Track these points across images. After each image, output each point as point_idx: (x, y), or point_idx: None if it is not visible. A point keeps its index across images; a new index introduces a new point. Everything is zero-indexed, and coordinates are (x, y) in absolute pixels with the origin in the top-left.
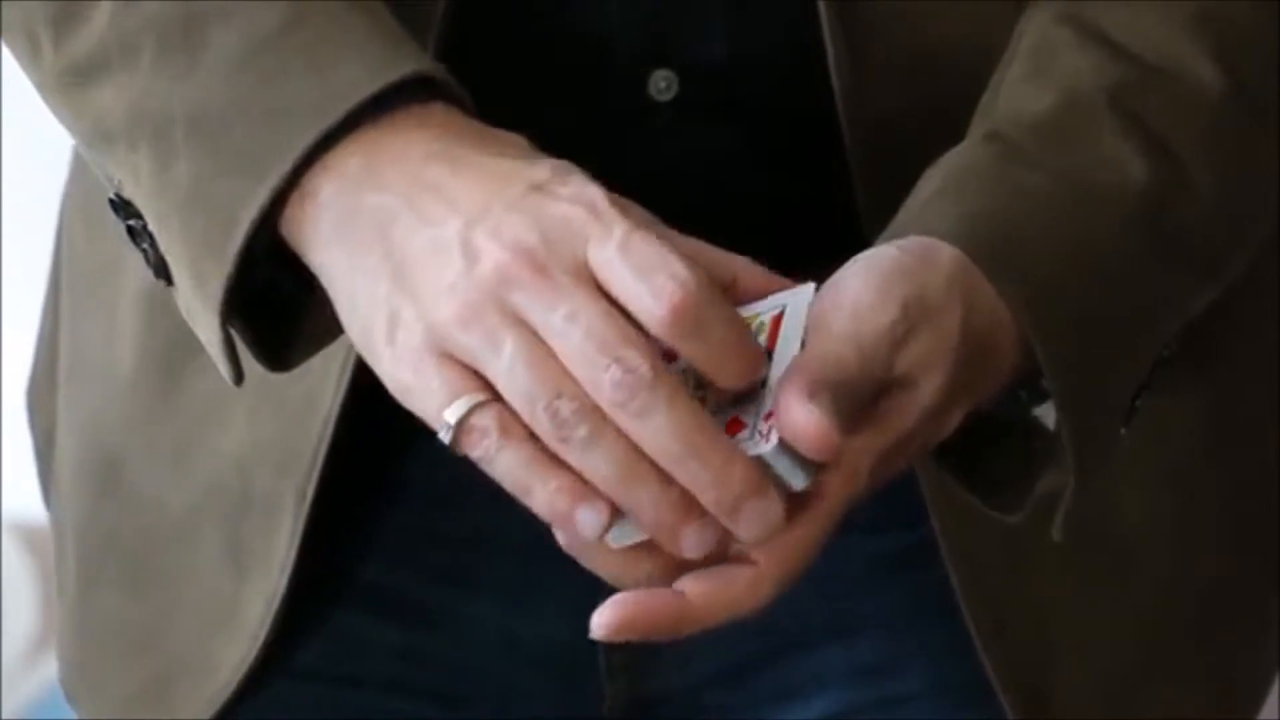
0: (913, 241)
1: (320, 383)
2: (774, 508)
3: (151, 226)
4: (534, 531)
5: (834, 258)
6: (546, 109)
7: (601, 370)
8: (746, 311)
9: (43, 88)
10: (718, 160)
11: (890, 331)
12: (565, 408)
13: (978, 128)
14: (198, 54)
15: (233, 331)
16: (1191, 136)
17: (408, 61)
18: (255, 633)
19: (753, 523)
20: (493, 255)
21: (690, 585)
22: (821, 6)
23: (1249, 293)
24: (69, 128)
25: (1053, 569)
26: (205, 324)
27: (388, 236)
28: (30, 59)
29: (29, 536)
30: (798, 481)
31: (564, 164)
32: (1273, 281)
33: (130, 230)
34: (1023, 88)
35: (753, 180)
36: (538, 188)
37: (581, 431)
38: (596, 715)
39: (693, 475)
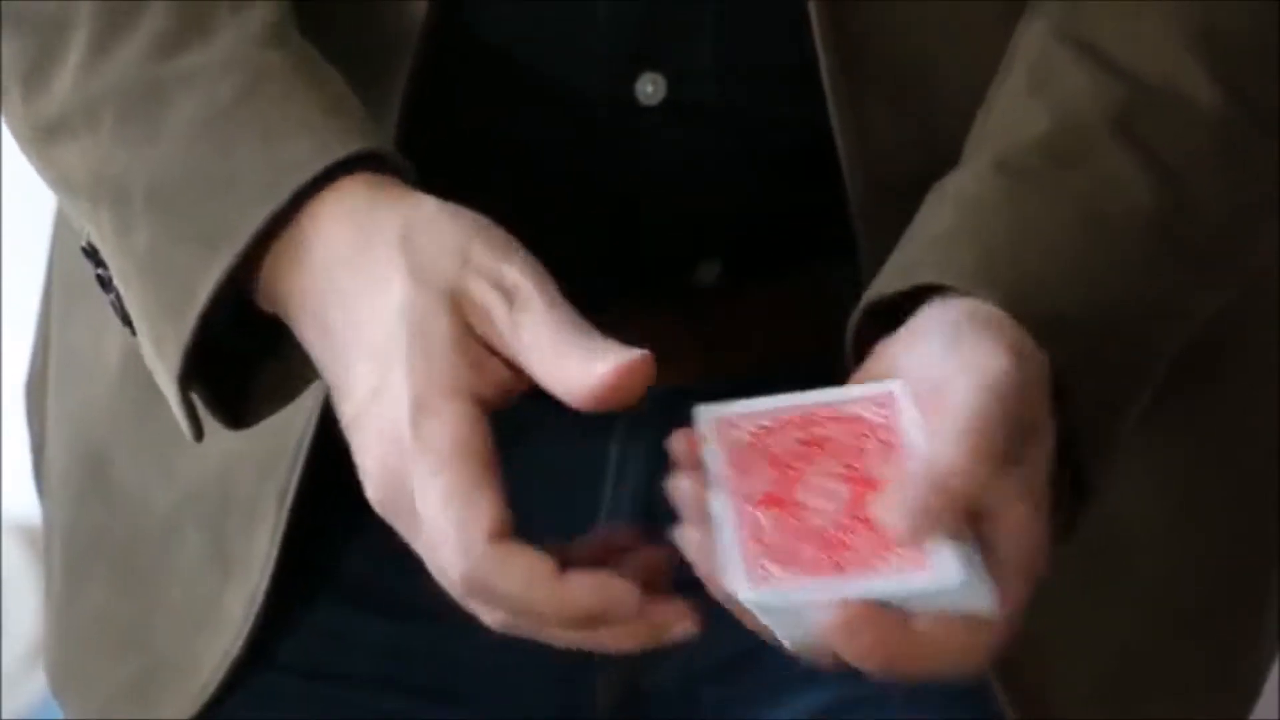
0: (985, 321)
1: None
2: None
3: (116, 282)
4: None
5: (823, 257)
6: (533, 110)
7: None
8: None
9: (17, 137)
10: (707, 163)
11: (1005, 455)
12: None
13: (978, 150)
14: (156, 123)
15: (192, 393)
16: (1194, 156)
17: (354, 138)
18: (238, 630)
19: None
20: (367, 470)
21: (923, 619)
22: (813, 10)
23: (1250, 291)
24: (40, 175)
25: (1050, 566)
26: (165, 384)
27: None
28: (3, 107)
29: (30, 536)
30: (985, 603)
31: (400, 323)
32: (1274, 279)
33: (100, 279)
34: (1020, 106)
35: (742, 183)
36: (375, 393)
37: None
38: (589, 710)
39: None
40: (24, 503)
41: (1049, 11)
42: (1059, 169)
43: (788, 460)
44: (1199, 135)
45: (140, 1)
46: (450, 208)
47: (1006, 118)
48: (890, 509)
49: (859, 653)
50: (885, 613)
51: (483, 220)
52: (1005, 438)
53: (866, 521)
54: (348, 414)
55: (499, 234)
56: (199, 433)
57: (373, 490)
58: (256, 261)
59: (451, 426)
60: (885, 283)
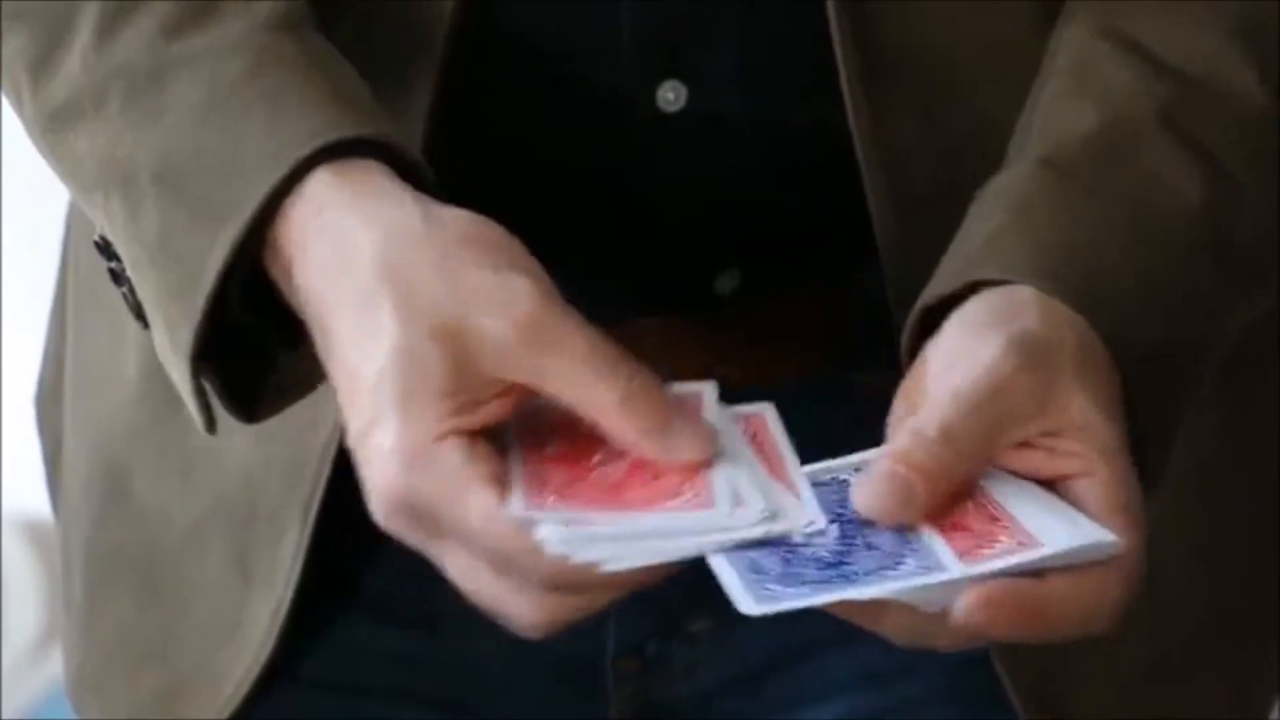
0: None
1: (324, 397)
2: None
3: (128, 272)
4: None
5: (846, 265)
6: (555, 115)
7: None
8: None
9: (29, 132)
10: (728, 171)
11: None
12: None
13: (1022, 148)
14: (162, 103)
15: (204, 381)
16: (1241, 151)
17: (365, 122)
18: (261, 644)
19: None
20: (376, 487)
21: (1055, 575)
22: (833, 18)
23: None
24: (55, 172)
25: None
26: (177, 371)
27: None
28: (15, 104)
29: (31, 533)
30: (1107, 549)
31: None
32: None
33: (112, 273)
34: (1065, 105)
35: (763, 192)
36: (371, 425)
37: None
38: None
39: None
40: (26, 498)
41: (1086, 11)
42: (1106, 165)
43: None
44: (1244, 129)
45: None
46: (434, 212)
47: (1051, 118)
48: (861, 491)
49: (1002, 628)
50: (1019, 583)
51: (469, 225)
52: (979, 418)
53: None
54: (351, 430)
55: (491, 237)
56: (211, 424)
57: (379, 510)
58: (265, 238)
59: (446, 473)
60: (941, 284)
